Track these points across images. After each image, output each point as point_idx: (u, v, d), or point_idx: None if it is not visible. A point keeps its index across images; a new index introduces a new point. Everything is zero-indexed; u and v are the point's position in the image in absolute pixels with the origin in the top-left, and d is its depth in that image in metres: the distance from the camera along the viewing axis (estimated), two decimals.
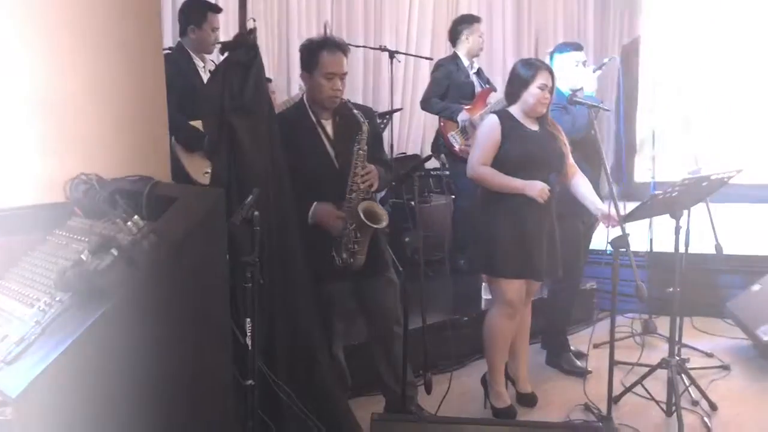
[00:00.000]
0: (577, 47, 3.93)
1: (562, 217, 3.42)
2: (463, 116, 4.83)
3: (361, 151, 2.94)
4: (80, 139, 2.35)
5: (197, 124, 3.49)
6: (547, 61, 4.14)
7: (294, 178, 2.84)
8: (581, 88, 3.81)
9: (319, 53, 2.93)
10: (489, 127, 3.27)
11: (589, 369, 3.73)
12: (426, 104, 5.03)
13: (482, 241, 3.29)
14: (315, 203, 2.93)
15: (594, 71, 3.82)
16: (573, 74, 3.83)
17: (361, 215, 2.89)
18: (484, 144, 3.26)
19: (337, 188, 2.95)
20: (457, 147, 4.91)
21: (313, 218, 2.95)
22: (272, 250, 2.70)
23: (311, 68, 2.95)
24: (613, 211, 3.15)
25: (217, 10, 3.92)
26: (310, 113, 3.01)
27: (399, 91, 6.29)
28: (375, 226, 2.92)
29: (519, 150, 3.21)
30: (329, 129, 3.03)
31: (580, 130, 3.60)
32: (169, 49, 3.83)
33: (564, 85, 3.83)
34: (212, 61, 3.93)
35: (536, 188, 3.17)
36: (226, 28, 4.64)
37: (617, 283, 3.12)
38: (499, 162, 3.24)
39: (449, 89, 4.95)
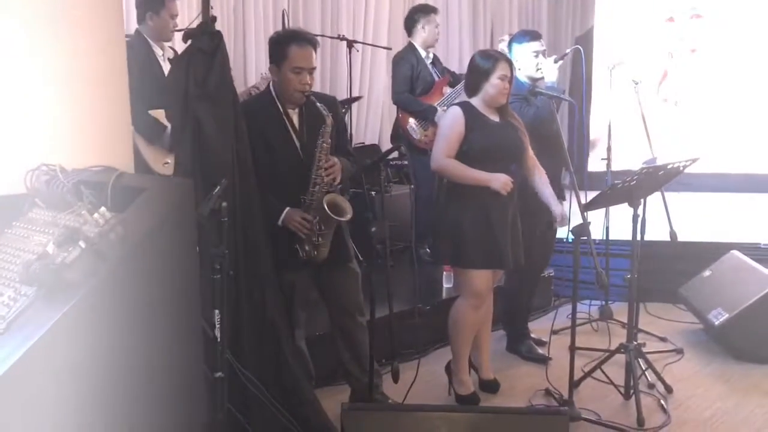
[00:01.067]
0: (535, 36, 3.91)
1: (527, 208, 3.47)
2: (439, 114, 4.80)
3: (325, 144, 2.94)
4: (39, 129, 2.27)
5: (157, 113, 3.42)
6: (505, 50, 4.17)
7: (259, 168, 2.82)
8: (542, 78, 3.82)
9: (288, 47, 2.90)
10: (452, 119, 3.27)
11: (550, 356, 3.80)
12: (399, 101, 4.98)
13: (448, 233, 3.30)
14: (287, 209, 2.92)
15: (555, 61, 3.81)
16: (532, 64, 3.82)
17: (326, 208, 2.89)
18: (448, 135, 3.26)
19: (301, 179, 2.95)
20: (416, 137, 4.92)
21: (283, 222, 2.93)
22: (237, 240, 2.68)
23: (280, 61, 2.93)
24: (564, 210, 3.22)
25: None
26: (277, 103, 2.99)
27: (357, 80, 6.27)
28: (340, 219, 2.92)
29: (483, 141, 3.23)
30: (295, 119, 3.01)
31: (543, 122, 3.62)
32: (127, 36, 3.73)
33: (522, 74, 3.84)
34: (171, 48, 3.85)
35: (500, 180, 3.19)
36: (183, 14, 4.55)
37: (579, 271, 3.18)
38: (463, 153, 3.25)
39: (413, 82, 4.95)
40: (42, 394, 1.61)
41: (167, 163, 3.48)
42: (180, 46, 3.64)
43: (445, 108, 4.82)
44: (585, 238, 3.10)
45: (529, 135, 3.39)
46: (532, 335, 4.19)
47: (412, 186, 5.06)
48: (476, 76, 3.32)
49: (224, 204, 2.23)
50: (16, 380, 1.56)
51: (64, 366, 1.64)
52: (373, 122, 6.65)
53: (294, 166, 2.96)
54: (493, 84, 3.27)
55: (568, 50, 4.08)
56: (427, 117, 4.85)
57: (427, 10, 5.08)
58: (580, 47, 4.00)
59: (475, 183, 3.23)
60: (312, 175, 2.93)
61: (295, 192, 2.95)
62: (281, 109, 2.99)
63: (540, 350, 4.04)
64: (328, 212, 2.89)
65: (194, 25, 2.65)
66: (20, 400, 1.57)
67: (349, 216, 2.96)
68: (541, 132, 3.55)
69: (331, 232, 2.98)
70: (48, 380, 1.61)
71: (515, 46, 3.92)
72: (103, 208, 1.87)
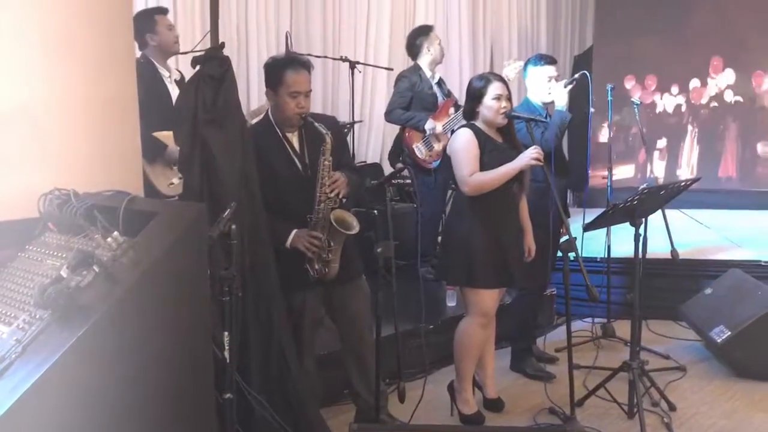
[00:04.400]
0: (551, 61, 3.99)
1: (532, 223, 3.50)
2: (430, 124, 4.88)
3: (326, 162, 2.98)
4: (51, 153, 2.32)
5: (162, 135, 3.46)
6: (508, 74, 4.23)
7: (264, 193, 2.86)
8: (552, 102, 3.89)
9: (284, 72, 2.96)
10: (466, 140, 3.29)
11: (554, 373, 3.81)
12: (390, 116, 5.07)
13: (458, 253, 3.32)
14: (294, 231, 2.94)
15: (565, 86, 3.87)
16: (545, 88, 3.90)
17: (333, 223, 2.92)
18: (467, 156, 3.26)
19: (306, 200, 2.98)
20: (421, 158, 4.97)
21: (292, 244, 2.95)
22: (245, 261, 2.71)
23: (276, 86, 2.98)
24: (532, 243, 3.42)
25: (163, 11, 3.90)
26: (276, 128, 3.04)
27: (358, 101, 6.32)
28: (348, 232, 2.95)
29: (496, 163, 3.26)
30: (295, 142, 3.06)
31: (548, 144, 3.66)
32: None
33: (536, 97, 3.93)
34: (178, 70, 3.90)
35: (526, 156, 3.20)
36: (189, 37, 4.61)
37: (569, 287, 3.16)
38: None
39: (412, 100, 5.01)
40: (57, 416, 1.63)
41: (172, 183, 3.51)
42: (185, 66, 3.70)
43: (447, 128, 4.88)
44: (573, 254, 3.10)
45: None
46: (545, 352, 4.19)
47: (416, 205, 5.10)
48: (473, 99, 3.35)
49: (233, 227, 2.26)
50: (32, 403, 1.58)
51: (78, 388, 1.67)
52: (375, 141, 6.69)
53: (298, 188, 3.00)
54: (488, 105, 3.30)
55: (576, 75, 4.15)
56: (418, 126, 4.89)
57: (426, 31, 5.16)
58: (586, 72, 4.07)
59: (511, 175, 3.23)
60: (316, 193, 2.97)
61: (301, 214, 2.99)
62: (280, 134, 3.04)
63: (543, 367, 4.05)
64: (336, 226, 2.92)
65: (200, 47, 2.70)
66: (36, 423, 1.59)
67: (356, 229, 2.99)
68: (546, 152, 3.59)
69: (340, 248, 3.01)
70: (63, 403, 1.63)
71: (531, 68, 4.00)
72: (116, 233, 1.90)
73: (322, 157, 2.97)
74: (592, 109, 4.75)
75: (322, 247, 2.95)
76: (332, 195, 2.97)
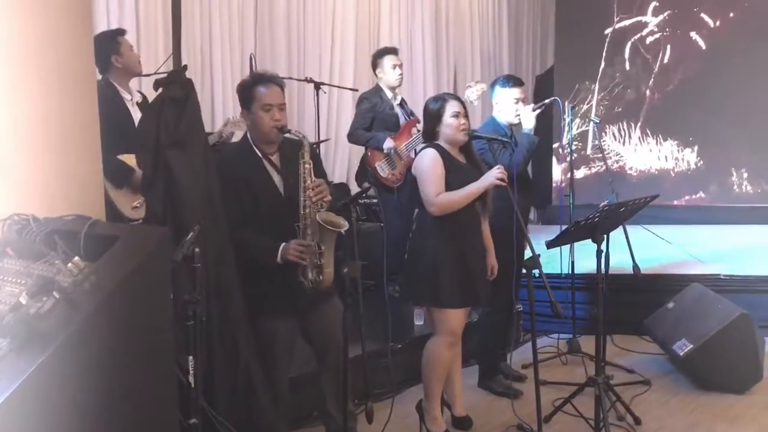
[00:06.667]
0: (518, 83, 4.07)
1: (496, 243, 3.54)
2: (388, 144, 4.92)
3: (307, 165, 2.97)
4: (10, 178, 2.27)
5: (125, 158, 3.43)
6: (470, 96, 4.30)
7: (247, 213, 2.87)
8: (518, 123, 3.95)
9: (255, 88, 2.99)
10: (432, 160, 3.31)
11: (521, 390, 3.83)
12: (352, 137, 5.12)
13: (424, 274, 3.32)
14: (282, 245, 2.92)
15: (534, 110, 3.95)
16: (512, 109, 3.97)
17: (322, 223, 2.91)
18: (432, 176, 3.28)
19: (288, 218, 2.95)
20: (383, 175, 4.99)
21: (282, 258, 2.92)
22: (209, 284, 2.69)
23: (249, 104, 3.00)
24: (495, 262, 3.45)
25: (122, 32, 3.90)
26: (255, 149, 3.04)
27: (324, 122, 6.34)
28: (337, 229, 2.93)
29: (460, 182, 3.29)
30: (276, 159, 3.06)
31: (517, 167, 3.70)
32: None
33: (502, 117, 4.00)
34: (139, 92, 3.88)
35: (492, 175, 3.23)
36: (151, 59, 4.59)
37: (534, 303, 3.17)
38: None
39: (374, 121, 5.04)
40: None
41: (136, 206, 3.48)
42: (147, 89, 3.68)
43: (410, 147, 4.92)
44: (536, 270, 3.13)
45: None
46: (513, 369, 4.21)
47: (382, 224, 5.11)
48: (431, 119, 3.39)
49: (197, 250, 2.25)
50: None
51: (39, 418, 1.63)
52: (341, 161, 6.71)
53: (280, 206, 2.99)
54: (448, 123, 3.34)
55: (546, 100, 4.23)
56: (378, 146, 4.93)
57: (386, 52, 5.19)
58: (557, 98, 4.16)
59: (475, 196, 3.26)
60: (301, 197, 2.95)
61: (285, 231, 2.96)
62: (260, 154, 3.03)
63: (510, 384, 4.07)
64: (325, 226, 2.90)
65: (163, 69, 2.70)
66: None
67: (346, 227, 2.95)
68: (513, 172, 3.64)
69: (331, 251, 2.98)
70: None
71: (498, 89, 4.06)
72: (77, 258, 1.88)
73: (301, 161, 2.96)
74: (597, 120, 4.88)
75: (313, 252, 2.92)
76: (315, 198, 2.95)
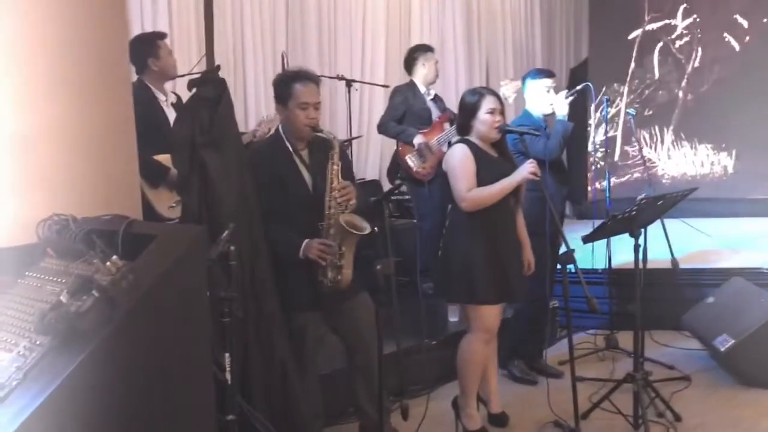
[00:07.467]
0: (549, 74, 4.11)
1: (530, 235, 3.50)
2: (418, 139, 4.91)
3: (335, 167, 2.99)
4: (49, 179, 2.32)
5: (161, 158, 3.48)
6: (506, 94, 4.28)
7: (275, 207, 2.89)
8: (552, 113, 3.97)
9: (292, 85, 3.01)
10: (463, 155, 3.29)
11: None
12: (382, 128, 5.14)
13: (457, 270, 3.30)
14: (305, 241, 2.94)
15: (566, 97, 3.97)
16: (545, 100, 3.98)
17: (345, 225, 2.92)
18: (463, 172, 3.26)
19: (314, 214, 2.99)
20: (414, 168, 4.98)
21: (304, 254, 2.95)
22: (245, 281, 2.72)
23: (285, 100, 3.03)
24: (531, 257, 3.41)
25: (163, 36, 3.95)
26: (287, 144, 3.06)
27: (356, 119, 6.35)
28: (359, 233, 2.95)
29: (490, 178, 3.26)
30: (305, 156, 3.08)
31: (552, 153, 3.73)
32: None
33: (536, 109, 4.01)
34: (174, 93, 3.93)
35: (525, 170, 3.20)
36: (185, 60, 4.64)
37: (568, 298, 3.16)
38: None
39: (405, 115, 5.04)
40: None
41: (172, 206, 3.52)
42: (181, 89, 3.72)
43: (442, 141, 4.91)
44: (572, 266, 3.09)
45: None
46: (549, 365, 4.16)
47: (416, 220, 5.11)
48: (466, 113, 3.36)
49: (232, 248, 2.26)
50: (34, 430, 1.57)
51: (79, 414, 1.66)
52: (373, 158, 6.72)
53: (307, 201, 3.02)
54: (482, 120, 3.31)
55: (579, 86, 4.21)
56: (408, 140, 4.92)
57: (425, 49, 5.21)
58: (590, 84, 4.16)
59: (508, 191, 3.23)
60: (327, 198, 2.98)
61: (311, 226, 2.99)
62: (291, 149, 3.06)
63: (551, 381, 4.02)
64: (347, 228, 2.91)
65: (196, 69, 2.73)
66: None
67: (368, 230, 2.98)
68: (550, 160, 3.65)
69: (351, 252, 3.00)
70: (65, 429, 1.63)
71: (529, 82, 4.09)
72: (114, 257, 1.90)
73: (330, 161, 2.99)
74: (633, 111, 4.85)
75: (334, 253, 2.94)
76: (341, 200, 2.98)
